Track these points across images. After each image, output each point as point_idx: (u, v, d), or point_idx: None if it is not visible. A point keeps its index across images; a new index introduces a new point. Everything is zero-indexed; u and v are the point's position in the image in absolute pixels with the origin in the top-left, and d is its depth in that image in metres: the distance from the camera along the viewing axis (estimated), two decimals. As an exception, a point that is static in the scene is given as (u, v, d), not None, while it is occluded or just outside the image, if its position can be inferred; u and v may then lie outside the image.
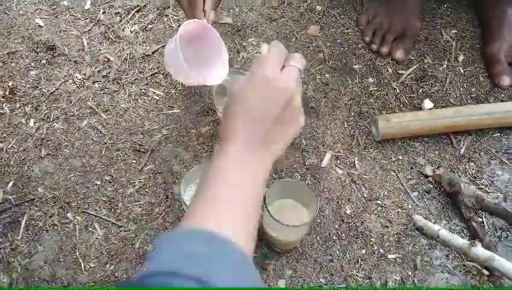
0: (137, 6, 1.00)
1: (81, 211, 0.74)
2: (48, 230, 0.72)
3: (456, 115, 0.84)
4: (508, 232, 0.75)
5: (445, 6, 1.02)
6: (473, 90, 0.91)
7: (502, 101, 0.90)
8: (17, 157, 0.79)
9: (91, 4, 1.00)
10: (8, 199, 0.75)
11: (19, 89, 0.87)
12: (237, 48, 0.95)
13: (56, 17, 0.98)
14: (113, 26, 0.97)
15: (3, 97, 0.86)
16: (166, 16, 0.99)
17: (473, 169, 0.82)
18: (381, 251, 0.72)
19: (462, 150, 0.84)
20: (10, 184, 0.76)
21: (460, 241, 0.68)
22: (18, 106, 0.85)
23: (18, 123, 0.83)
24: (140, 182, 0.77)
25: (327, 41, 0.96)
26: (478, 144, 0.85)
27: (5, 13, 0.97)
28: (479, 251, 0.66)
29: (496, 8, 0.93)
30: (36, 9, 0.98)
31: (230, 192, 0.42)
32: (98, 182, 0.77)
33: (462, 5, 1.02)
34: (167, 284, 0.30)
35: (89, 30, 0.96)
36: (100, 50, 0.93)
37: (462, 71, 0.93)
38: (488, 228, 0.75)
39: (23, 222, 0.73)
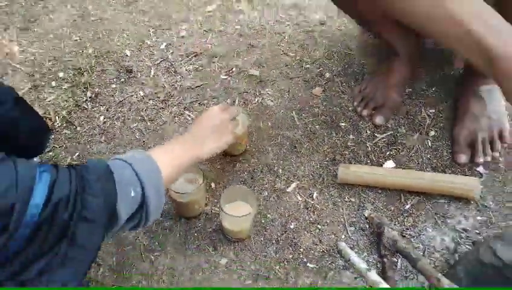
0: (195, 52, 1.36)
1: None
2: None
3: (406, 176, 1.03)
4: (415, 275, 0.91)
5: (433, 89, 1.22)
6: (434, 161, 1.09)
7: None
8: (86, 138, 1.17)
9: (165, 46, 1.40)
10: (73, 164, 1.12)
11: (101, 95, 1.27)
12: (256, 94, 1.25)
13: (139, 50, 1.38)
14: (175, 64, 1.34)
15: (90, 98, 1.26)
16: (213, 62, 1.34)
17: (408, 222, 1.00)
18: (304, 259, 0.93)
19: (407, 206, 1.02)
20: (76, 155, 1.14)
21: (362, 266, 0.88)
22: (97, 105, 1.24)
23: (93, 116, 1.22)
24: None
25: (325, 101, 1.22)
26: (423, 205, 1.02)
27: (108, 43, 1.41)
28: (372, 275, 0.85)
29: (464, 96, 1.11)
30: (128, 44, 1.40)
31: (171, 153, 0.75)
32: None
33: (447, 90, 1.21)
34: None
35: (158, 64, 1.35)
36: (161, 79, 1.31)
37: (429, 144, 1.12)
38: (400, 268, 0.92)
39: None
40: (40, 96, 1.27)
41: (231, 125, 0.92)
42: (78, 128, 1.19)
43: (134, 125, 1.20)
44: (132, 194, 0.61)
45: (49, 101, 1.25)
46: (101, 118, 1.22)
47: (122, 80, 1.31)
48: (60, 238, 0.53)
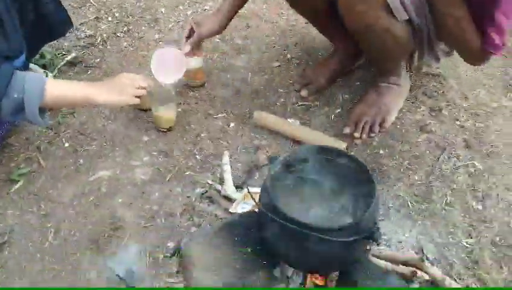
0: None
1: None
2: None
3: (295, 128, 1.38)
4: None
5: (357, 83, 1.53)
6: (329, 127, 1.41)
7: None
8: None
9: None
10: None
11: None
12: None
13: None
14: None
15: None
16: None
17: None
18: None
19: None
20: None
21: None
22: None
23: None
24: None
25: (280, 73, 1.60)
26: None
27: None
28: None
29: (369, 88, 1.42)
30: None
31: (69, 86, 1.17)
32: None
33: (363, 85, 1.51)
34: None
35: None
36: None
37: (332, 117, 1.44)
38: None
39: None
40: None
41: (133, 91, 1.20)
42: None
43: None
44: (15, 95, 1.04)
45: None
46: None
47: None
48: None
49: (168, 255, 1.08)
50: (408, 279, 0.98)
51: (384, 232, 1.09)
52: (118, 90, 1.19)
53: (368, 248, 0.99)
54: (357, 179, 0.90)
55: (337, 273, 0.95)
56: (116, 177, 1.27)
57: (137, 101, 1.22)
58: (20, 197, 1.22)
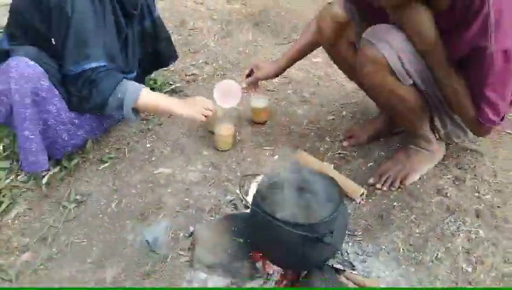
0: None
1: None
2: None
3: (327, 170, 1.58)
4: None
5: (392, 144, 1.68)
6: (357, 175, 1.58)
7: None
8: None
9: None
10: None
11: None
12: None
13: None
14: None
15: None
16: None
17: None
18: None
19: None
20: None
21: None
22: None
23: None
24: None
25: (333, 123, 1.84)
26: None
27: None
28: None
29: (399, 149, 1.57)
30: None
31: (158, 97, 1.59)
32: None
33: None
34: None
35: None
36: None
37: (363, 168, 1.61)
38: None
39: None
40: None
41: (202, 110, 1.55)
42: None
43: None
44: (119, 95, 1.46)
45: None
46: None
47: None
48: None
49: (187, 235, 1.35)
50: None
51: (367, 266, 1.22)
52: (190, 107, 1.57)
53: (342, 268, 1.15)
54: (329, 197, 1.09)
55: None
56: (173, 175, 1.61)
57: (203, 118, 1.57)
58: (103, 173, 1.63)
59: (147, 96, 1.54)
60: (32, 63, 1.43)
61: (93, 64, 1.47)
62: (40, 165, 1.52)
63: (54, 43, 1.49)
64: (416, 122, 1.45)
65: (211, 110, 1.60)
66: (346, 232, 1.30)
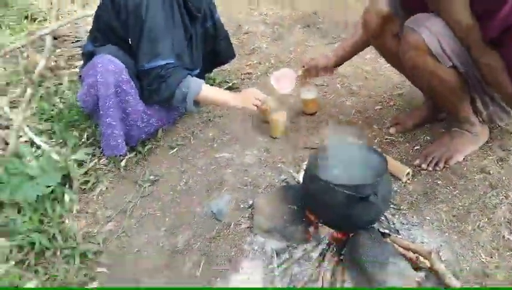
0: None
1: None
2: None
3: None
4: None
5: (436, 126, 1.77)
6: (409, 157, 1.69)
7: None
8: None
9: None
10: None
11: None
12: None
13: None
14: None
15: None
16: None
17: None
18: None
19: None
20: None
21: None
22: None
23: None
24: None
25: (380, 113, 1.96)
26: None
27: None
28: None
29: (444, 132, 1.65)
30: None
31: (216, 91, 1.85)
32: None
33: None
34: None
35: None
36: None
37: (410, 151, 1.72)
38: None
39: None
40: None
41: (254, 101, 1.77)
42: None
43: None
44: (183, 89, 1.68)
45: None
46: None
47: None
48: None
49: (246, 206, 1.53)
50: (413, 263, 1.20)
51: (412, 233, 1.34)
52: (243, 99, 1.79)
53: (387, 232, 1.27)
54: (374, 166, 1.22)
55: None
56: (232, 158, 1.80)
57: (254, 108, 1.78)
58: (172, 157, 1.86)
59: (206, 90, 1.75)
60: (114, 59, 1.68)
61: (163, 62, 1.69)
62: (119, 149, 1.77)
63: (130, 43, 1.74)
64: (458, 104, 1.54)
65: (260, 101, 1.78)
66: (392, 206, 1.44)
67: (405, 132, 1.81)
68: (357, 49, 1.84)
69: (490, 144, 1.65)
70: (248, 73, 2.48)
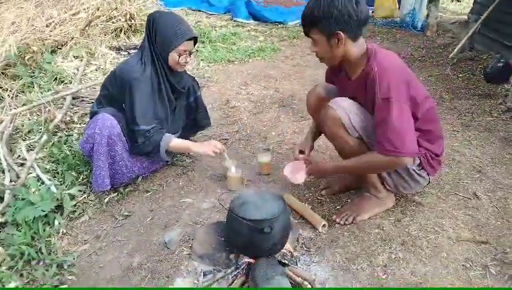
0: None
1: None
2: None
3: (301, 207, 2.12)
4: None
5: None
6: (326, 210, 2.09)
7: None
8: (228, 147, 2.80)
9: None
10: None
11: (247, 138, 2.89)
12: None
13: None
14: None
15: (242, 137, 2.90)
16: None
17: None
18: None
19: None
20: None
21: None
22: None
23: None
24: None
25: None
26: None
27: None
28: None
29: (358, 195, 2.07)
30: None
31: (180, 142, 2.30)
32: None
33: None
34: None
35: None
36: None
37: (333, 210, 2.12)
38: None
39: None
40: (231, 130, 3.02)
41: (215, 150, 2.26)
42: (229, 143, 2.85)
43: (246, 152, 2.74)
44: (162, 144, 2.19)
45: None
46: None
47: (259, 138, 2.89)
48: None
49: (192, 239, 1.94)
50: (293, 284, 1.57)
51: (310, 267, 1.71)
52: (205, 146, 2.29)
53: (286, 262, 1.66)
54: (274, 209, 1.65)
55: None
56: (193, 203, 2.24)
57: (212, 154, 2.26)
58: (146, 199, 2.30)
59: (175, 142, 2.26)
60: (112, 117, 2.20)
61: (146, 127, 2.21)
62: (104, 186, 2.24)
63: (124, 107, 2.28)
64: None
65: (219, 149, 2.27)
66: (305, 248, 1.83)
67: (333, 194, 2.23)
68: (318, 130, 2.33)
69: (394, 209, 2.05)
70: (225, 139, 2.98)
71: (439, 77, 4.12)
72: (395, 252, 1.77)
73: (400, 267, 1.70)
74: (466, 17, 6.06)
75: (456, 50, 4.76)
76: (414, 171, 1.91)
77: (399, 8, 7.08)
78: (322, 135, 2.23)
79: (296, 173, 2.09)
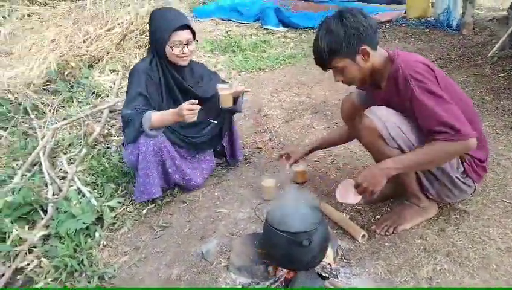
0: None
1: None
2: (247, 168, 2.68)
3: (340, 218, 2.08)
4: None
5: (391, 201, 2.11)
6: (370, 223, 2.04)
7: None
8: (262, 156, 2.79)
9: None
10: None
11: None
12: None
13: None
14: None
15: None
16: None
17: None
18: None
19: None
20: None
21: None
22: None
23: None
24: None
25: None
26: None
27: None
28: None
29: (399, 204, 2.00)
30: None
31: (161, 115, 2.16)
32: (264, 169, 2.64)
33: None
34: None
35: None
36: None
37: (374, 217, 2.07)
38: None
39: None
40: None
41: (188, 112, 2.05)
42: (263, 152, 2.84)
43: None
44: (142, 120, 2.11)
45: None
46: (273, 153, 2.81)
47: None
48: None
49: (229, 249, 1.93)
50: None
51: (350, 280, 1.67)
52: (179, 114, 2.10)
53: (326, 275, 1.62)
54: (313, 220, 1.61)
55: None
56: (229, 213, 2.24)
57: (188, 118, 2.09)
58: (183, 209, 2.32)
59: (156, 116, 2.14)
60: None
61: (128, 111, 2.16)
62: (152, 195, 2.27)
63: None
64: (406, 180, 1.90)
65: (193, 110, 2.11)
66: (345, 260, 1.79)
67: (371, 203, 2.17)
68: (333, 142, 2.32)
69: (437, 218, 1.97)
70: (259, 147, 2.97)
71: (479, 77, 3.96)
72: (440, 263, 1.70)
73: (445, 279, 1.63)
74: (505, 12, 5.82)
75: (495, 48, 4.57)
76: (458, 179, 1.83)
77: (432, 6, 6.88)
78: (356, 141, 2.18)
79: (348, 192, 1.85)
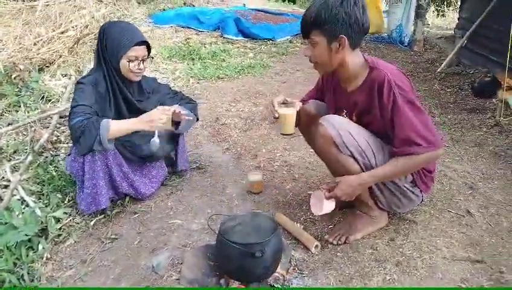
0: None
1: (210, 180, 2.60)
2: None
3: (293, 226, 2.07)
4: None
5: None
6: (318, 231, 2.05)
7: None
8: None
9: (277, 152, 2.85)
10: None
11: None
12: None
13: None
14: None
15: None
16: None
17: (280, 245, 2.03)
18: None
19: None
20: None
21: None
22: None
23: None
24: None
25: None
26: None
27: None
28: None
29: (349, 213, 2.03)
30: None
31: (118, 124, 2.07)
32: (219, 179, 2.61)
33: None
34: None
35: (267, 156, 2.81)
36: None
37: (326, 229, 2.08)
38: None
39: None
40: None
41: (162, 117, 2.06)
42: (219, 162, 2.81)
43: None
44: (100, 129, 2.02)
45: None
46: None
47: (250, 155, 2.86)
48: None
49: (180, 262, 1.87)
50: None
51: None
52: (147, 122, 2.09)
53: (279, 287, 1.60)
54: (266, 232, 1.60)
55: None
56: (182, 224, 2.18)
57: (162, 126, 2.10)
58: (134, 221, 2.24)
59: (114, 125, 2.05)
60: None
61: (79, 118, 2.03)
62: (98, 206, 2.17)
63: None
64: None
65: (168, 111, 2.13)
66: (297, 270, 1.78)
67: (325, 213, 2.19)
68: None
69: (388, 227, 2.01)
70: (216, 156, 2.93)
71: (428, 92, 4.15)
72: (389, 273, 1.73)
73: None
74: (452, 32, 6.15)
75: (443, 65, 4.81)
76: (407, 188, 1.89)
77: (386, 23, 7.17)
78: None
79: (322, 203, 1.85)
